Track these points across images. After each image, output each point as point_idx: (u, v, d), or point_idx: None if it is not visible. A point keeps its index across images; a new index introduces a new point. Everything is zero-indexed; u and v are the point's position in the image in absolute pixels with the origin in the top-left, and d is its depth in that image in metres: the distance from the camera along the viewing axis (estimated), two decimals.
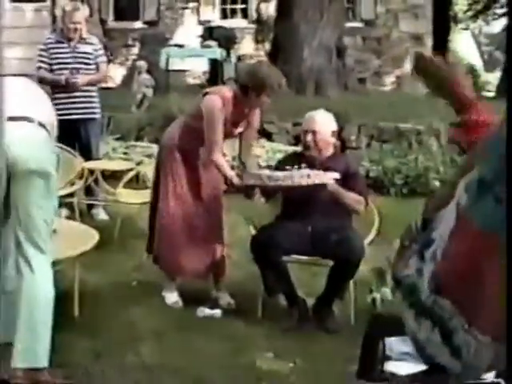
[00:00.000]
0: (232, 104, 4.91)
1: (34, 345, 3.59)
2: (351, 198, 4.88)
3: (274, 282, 4.83)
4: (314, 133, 4.99)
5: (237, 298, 5.22)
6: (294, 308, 4.88)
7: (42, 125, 3.71)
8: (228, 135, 5.04)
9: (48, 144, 3.75)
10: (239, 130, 5.09)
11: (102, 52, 7.05)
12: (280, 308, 5.00)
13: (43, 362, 3.62)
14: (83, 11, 7.02)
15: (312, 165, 4.88)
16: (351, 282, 4.87)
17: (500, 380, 2.57)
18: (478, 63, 29.12)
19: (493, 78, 28.30)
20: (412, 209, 7.48)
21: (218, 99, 4.88)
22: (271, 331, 4.72)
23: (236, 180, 4.84)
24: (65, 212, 6.81)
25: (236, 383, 4.04)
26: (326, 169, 4.82)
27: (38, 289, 3.61)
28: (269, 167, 8.24)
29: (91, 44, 6.97)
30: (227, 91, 5.01)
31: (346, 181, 4.88)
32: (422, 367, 2.95)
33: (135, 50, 16.19)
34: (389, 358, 2.78)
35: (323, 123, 5.05)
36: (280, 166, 5.05)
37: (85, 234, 4.89)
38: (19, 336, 3.56)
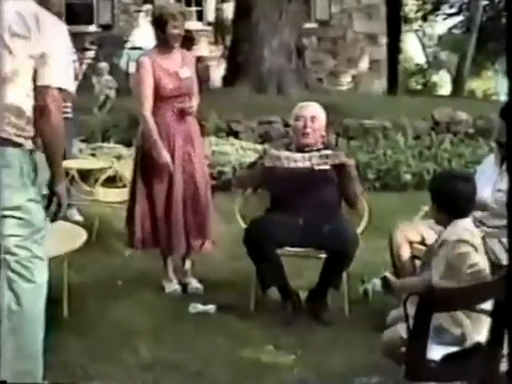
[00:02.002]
0: (159, 55, 5.08)
1: (25, 372, 3.36)
2: (358, 185, 4.88)
3: (269, 275, 4.76)
4: (313, 119, 4.91)
5: (227, 293, 5.16)
6: (287, 301, 4.83)
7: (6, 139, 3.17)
8: (177, 81, 5.05)
9: (15, 167, 3.20)
10: (185, 74, 5.11)
11: (72, 51, 6.88)
12: (271, 302, 4.94)
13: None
14: (52, 9, 6.84)
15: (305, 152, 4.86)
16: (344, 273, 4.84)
17: None
18: (425, 64, 29.57)
19: (437, 79, 28.78)
20: (386, 203, 7.59)
21: (143, 57, 5.11)
22: (266, 325, 4.66)
23: (158, 142, 5.00)
24: None
25: (241, 377, 3.96)
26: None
27: (26, 324, 3.33)
28: (241, 165, 8.25)
29: None
30: (150, 49, 5.30)
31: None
32: (446, 349, 2.94)
33: (90, 54, 15.99)
34: None
35: (321, 111, 5.00)
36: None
37: (72, 233, 4.77)
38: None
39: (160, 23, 5.04)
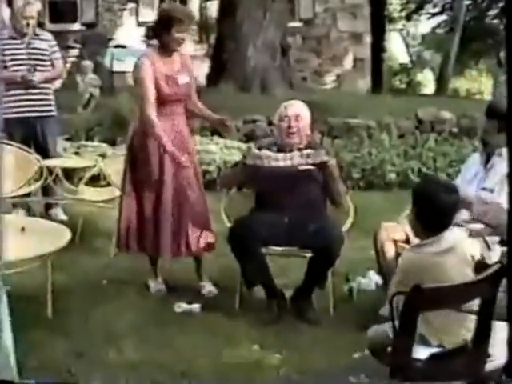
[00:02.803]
0: (159, 58, 4.97)
1: None
2: (342, 184, 4.88)
3: (253, 274, 4.76)
4: (297, 118, 4.90)
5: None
6: (272, 300, 4.82)
7: None
8: (175, 86, 4.98)
9: None
10: (183, 79, 5.03)
11: (56, 48, 6.85)
12: (257, 301, 4.93)
13: None
14: (35, 5, 6.80)
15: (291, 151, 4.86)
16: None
17: None
18: (409, 63, 29.66)
19: (421, 78, 28.88)
20: (371, 201, 7.60)
21: (144, 59, 4.96)
22: (252, 324, 4.64)
23: (168, 144, 4.87)
24: (22, 214, 6.61)
25: (226, 377, 3.95)
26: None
27: None
28: (226, 164, 8.24)
29: (46, 40, 6.77)
30: (150, 50, 5.14)
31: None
32: (433, 348, 2.94)
33: (74, 52, 15.94)
34: None
35: (305, 110, 4.98)
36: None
37: (56, 232, 4.74)
38: None
39: (165, 26, 4.88)
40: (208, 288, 5.17)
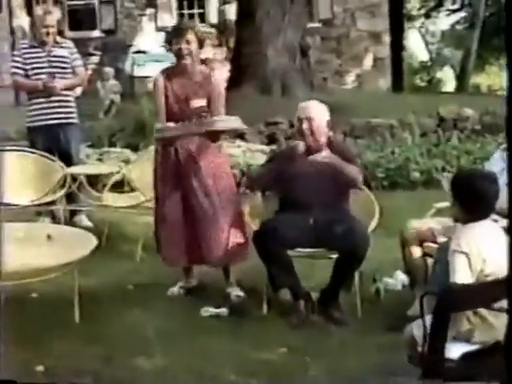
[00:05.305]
0: (177, 74, 4.98)
1: None
2: (349, 167, 4.85)
3: (280, 277, 4.73)
4: (309, 120, 4.91)
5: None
6: (299, 302, 4.80)
7: None
8: (186, 108, 4.93)
9: None
10: (198, 103, 4.96)
11: (77, 56, 6.88)
12: (284, 303, 4.91)
13: None
14: (55, 14, 6.84)
15: (309, 154, 4.87)
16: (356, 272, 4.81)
17: None
18: (429, 61, 29.56)
19: (442, 75, 28.76)
20: (396, 201, 7.56)
21: (159, 74, 5.04)
22: (279, 327, 4.63)
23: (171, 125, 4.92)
24: (47, 221, 6.64)
25: (254, 380, 3.94)
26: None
27: None
28: (249, 166, 8.23)
29: (67, 48, 6.80)
30: (171, 65, 5.15)
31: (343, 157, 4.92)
32: (465, 347, 2.90)
33: (95, 59, 16.02)
34: None
35: (318, 111, 4.99)
36: (276, 159, 5.05)
37: (82, 239, 4.75)
38: None
39: (173, 35, 4.96)
40: (235, 293, 5.11)
